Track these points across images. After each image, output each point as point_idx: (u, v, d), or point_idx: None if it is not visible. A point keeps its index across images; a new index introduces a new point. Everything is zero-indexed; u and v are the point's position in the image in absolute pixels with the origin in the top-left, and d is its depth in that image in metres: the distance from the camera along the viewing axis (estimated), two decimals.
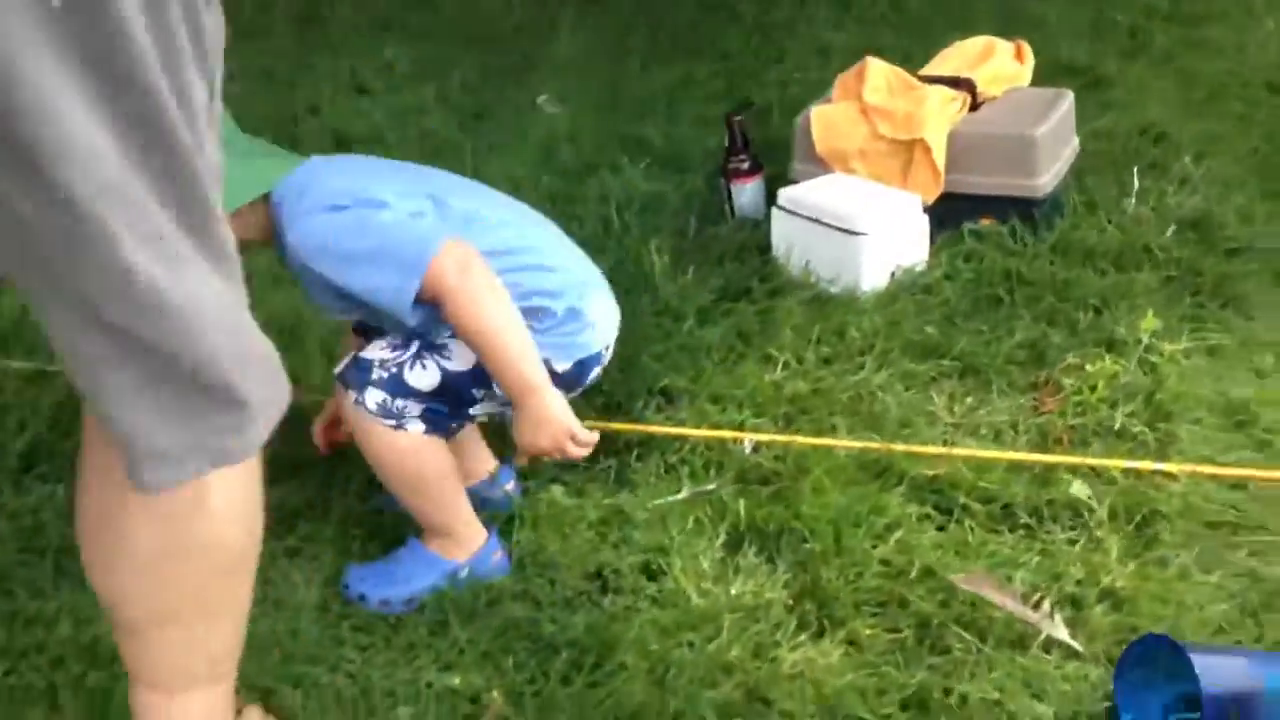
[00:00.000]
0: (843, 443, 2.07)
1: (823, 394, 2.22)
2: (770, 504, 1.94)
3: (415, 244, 1.66)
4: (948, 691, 1.59)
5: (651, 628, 1.70)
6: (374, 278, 1.66)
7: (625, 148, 3.41)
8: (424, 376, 1.72)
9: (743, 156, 2.93)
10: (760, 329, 2.45)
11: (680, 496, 1.98)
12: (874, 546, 1.83)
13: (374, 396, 1.70)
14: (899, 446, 2.04)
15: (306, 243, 1.69)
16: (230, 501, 1.23)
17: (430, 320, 1.71)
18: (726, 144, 2.95)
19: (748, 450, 2.08)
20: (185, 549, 1.23)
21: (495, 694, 1.57)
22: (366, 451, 1.75)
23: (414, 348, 1.74)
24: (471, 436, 2.00)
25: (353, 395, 1.71)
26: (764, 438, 2.09)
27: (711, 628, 1.70)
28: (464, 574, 1.81)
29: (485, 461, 2.03)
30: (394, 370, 1.71)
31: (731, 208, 2.96)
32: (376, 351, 1.73)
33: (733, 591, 1.77)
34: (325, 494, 2.02)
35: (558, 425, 1.71)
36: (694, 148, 3.38)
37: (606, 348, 1.88)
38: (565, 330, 1.80)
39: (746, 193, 2.94)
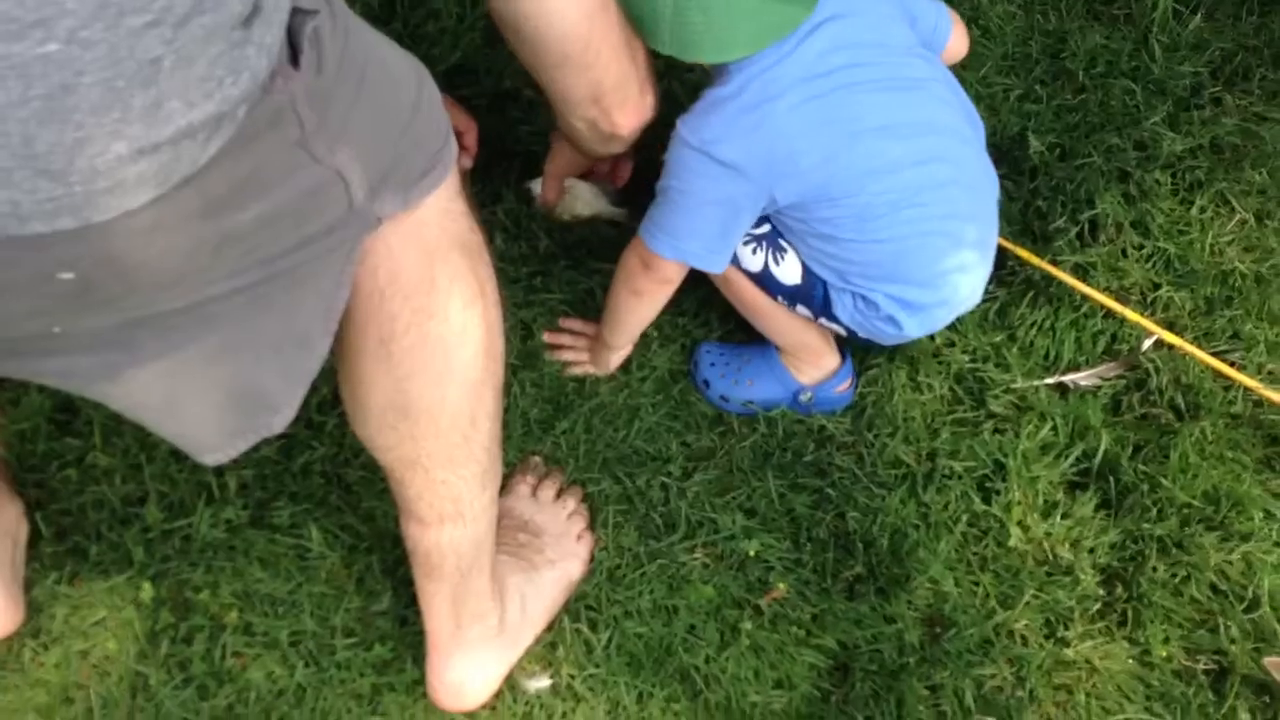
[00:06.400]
0: (1250, 382, 1.83)
1: None
2: (1139, 435, 1.80)
3: None
4: None
5: (954, 557, 1.69)
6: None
7: None
8: (750, 260, 1.64)
9: None
10: None
11: (1047, 381, 1.84)
12: (1217, 548, 1.71)
13: None
14: None
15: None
16: None
17: (787, 219, 1.58)
18: None
19: (1145, 346, 1.87)
20: None
21: (782, 586, 1.64)
22: None
23: (762, 229, 1.62)
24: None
25: None
26: (1173, 339, 1.87)
27: (1011, 581, 1.68)
28: (806, 397, 1.80)
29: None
30: None
31: None
32: None
33: (1050, 537, 1.71)
34: None
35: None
36: None
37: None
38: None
39: None
